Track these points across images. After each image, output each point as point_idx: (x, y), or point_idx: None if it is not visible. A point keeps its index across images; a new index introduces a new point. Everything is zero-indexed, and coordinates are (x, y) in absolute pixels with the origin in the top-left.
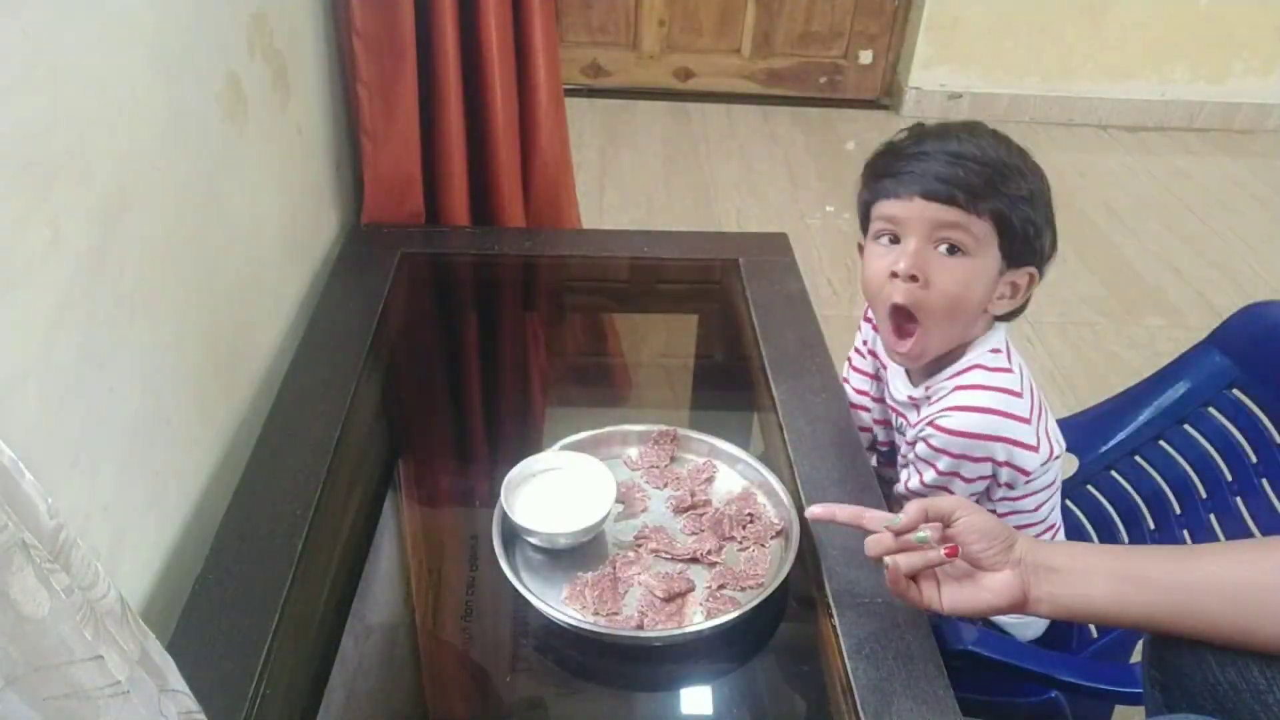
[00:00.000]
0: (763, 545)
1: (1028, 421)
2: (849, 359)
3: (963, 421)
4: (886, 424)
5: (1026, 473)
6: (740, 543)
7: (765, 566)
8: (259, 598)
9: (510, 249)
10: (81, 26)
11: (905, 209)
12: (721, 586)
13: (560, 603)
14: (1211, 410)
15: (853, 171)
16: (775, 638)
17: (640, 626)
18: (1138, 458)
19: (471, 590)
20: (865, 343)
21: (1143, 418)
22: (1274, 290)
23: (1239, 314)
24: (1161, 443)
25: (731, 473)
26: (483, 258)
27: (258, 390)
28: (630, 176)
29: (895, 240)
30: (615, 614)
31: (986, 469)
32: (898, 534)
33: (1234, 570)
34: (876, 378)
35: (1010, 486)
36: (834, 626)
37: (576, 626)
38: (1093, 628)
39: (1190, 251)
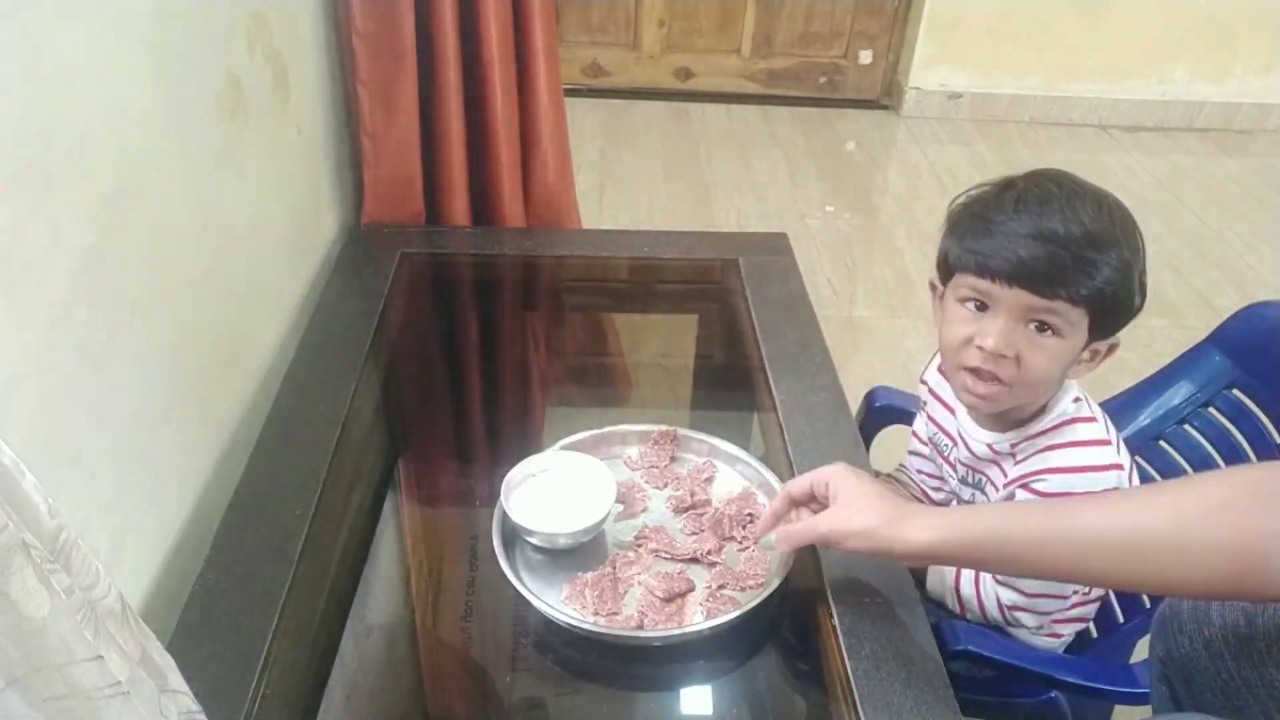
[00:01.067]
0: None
1: (1121, 468)
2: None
3: (1064, 483)
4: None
5: None
6: (740, 543)
7: (765, 566)
8: (259, 598)
9: (510, 249)
10: (81, 26)
11: (995, 289)
12: (721, 586)
13: (560, 603)
14: (1212, 410)
15: (853, 171)
16: (775, 638)
17: (640, 626)
18: (1138, 458)
19: (471, 590)
20: (924, 404)
21: (1143, 418)
22: (1274, 290)
23: (1239, 314)
24: (1162, 443)
25: (731, 472)
26: (483, 258)
27: (258, 390)
28: (630, 176)
29: (981, 307)
30: (615, 614)
31: None
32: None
33: (1121, 522)
34: (937, 452)
35: None
36: (834, 626)
37: (576, 627)
38: (1093, 628)
39: (1190, 251)
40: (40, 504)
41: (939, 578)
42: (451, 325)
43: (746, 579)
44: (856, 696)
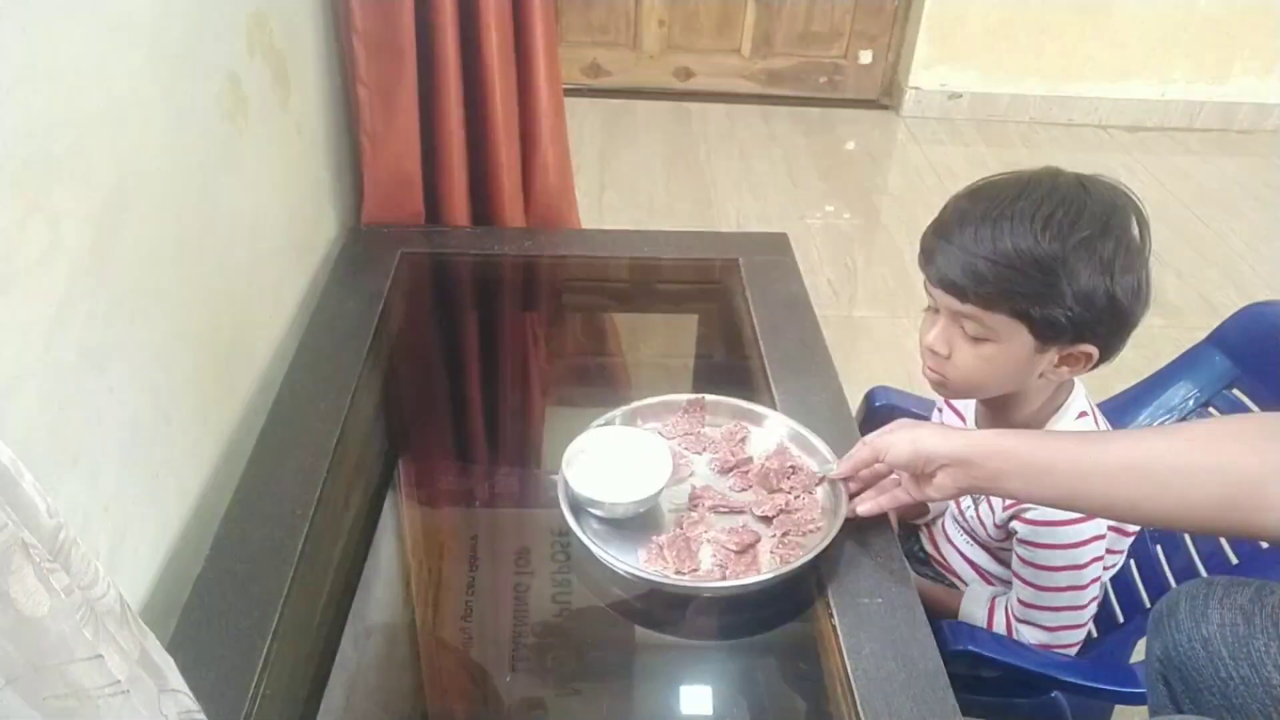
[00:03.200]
0: (810, 493)
1: (1101, 538)
2: None
3: (1042, 533)
4: None
5: (1126, 534)
6: (789, 492)
7: (819, 511)
8: (259, 598)
9: (510, 249)
10: (81, 26)
11: (935, 292)
12: (786, 533)
13: (642, 565)
14: (1211, 410)
15: (853, 171)
16: (775, 637)
17: (723, 578)
18: None
19: (471, 590)
20: (939, 409)
21: (1143, 417)
22: (1274, 290)
23: (1239, 314)
24: None
25: (761, 431)
26: (483, 258)
27: (257, 390)
28: (630, 176)
29: (935, 310)
30: (695, 570)
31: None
32: (848, 478)
33: (1138, 451)
34: None
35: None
36: (834, 626)
37: (680, 586)
38: (1093, 627)
39: (1190, 251)
40: (39, 503)
41: (970, 613)
42: (451, 325)
43: (807, 525)
44: (856, 696)
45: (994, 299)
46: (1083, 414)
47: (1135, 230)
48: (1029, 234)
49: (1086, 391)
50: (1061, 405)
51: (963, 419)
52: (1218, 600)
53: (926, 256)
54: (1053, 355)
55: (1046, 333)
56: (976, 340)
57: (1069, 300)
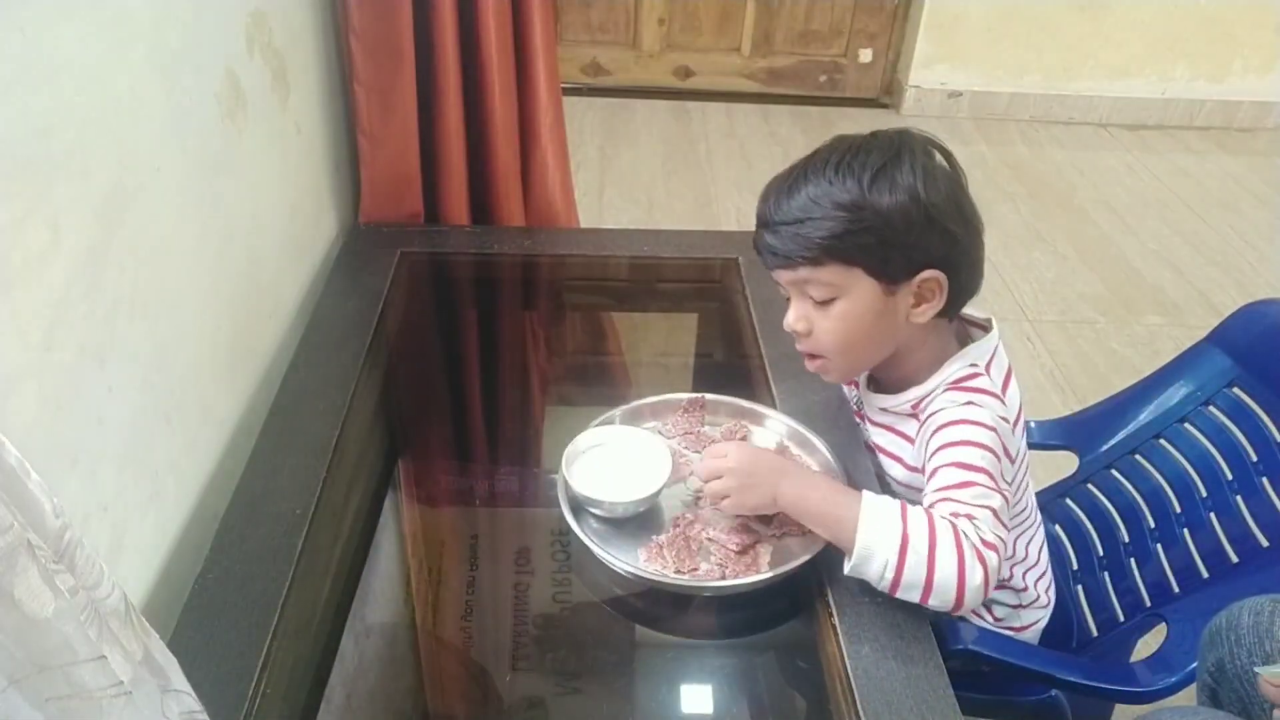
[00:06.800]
0: None
1: (994, 429)
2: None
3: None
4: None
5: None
6: None
7: None
8: (259, 598)
9: (510, 248)
10: (80, 25)
11: (773, 276)
12: (785, 534)
13: (642, 565)
14: (1212, 409)
15: None
16: (775, 636)
17: (723, 578)
18: (1138, 456)
19: (471, 590)
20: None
21: (1143, 416)
22: (1274, 289)
23: (1239, 312)
24: (1162, 441)
25: (762, 430)
26: (482, 257)
27: (257, 389)
28: (630, 175)
29: (788, 296)
30: (695, 569)
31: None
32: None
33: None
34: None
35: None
36: (834, 626)
37: (680, 585)
38: (1092, 627)
39: (1190, 250)
40: (45, 504)
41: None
42: (451, 324)
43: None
44: (856, 696)
45: (816, 252)
46: (974, 365)
47: (938, 158)
48: (823, 182)
49: (984, 353)
50: (946, 361)
51: (855, 385)
52: None
53: (758, 251)
54: (906, 296)
55: (881, 270)
56: (826, 304)
57: (881, 229)
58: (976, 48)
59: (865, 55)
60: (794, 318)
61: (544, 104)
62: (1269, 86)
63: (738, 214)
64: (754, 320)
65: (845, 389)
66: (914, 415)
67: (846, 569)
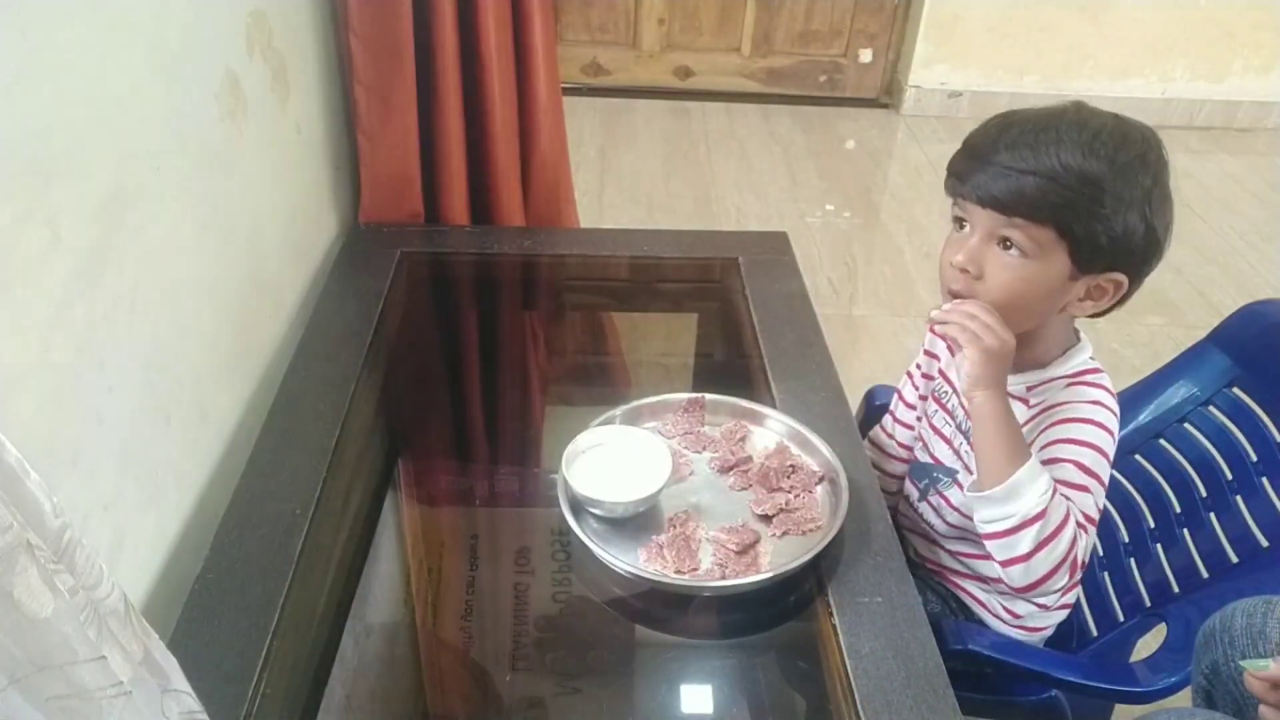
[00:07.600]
0: (810, 491)
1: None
2: (892, 411)
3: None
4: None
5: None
6: (789, 491)
7: (819, 510)
8: (259, 598)
9: (509, 248)
10: (80, 26)
11: (970, 208)
12: (785, 533)
13: (642, 565)
14: (1211, 409)
15: (853, 170)
16: (775, 636)
17: (723, 578)
18: (1138, 456)
19: (471, 590)
20: (919, 367)
21: (1143, 416)
22: (1274, 288)
23: (1239, 312)
24: (1162, 441)
25: (762, 430)
26: (482, 257)
27: (257, 390)
28: (630, 175)
29: (962, 226)
30: (695, 569)
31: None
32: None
33: None
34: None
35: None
36: (834, 626)
37: (680, 585)
38: (1092, 627)
39: (1190, 250)
40: (44, 503)
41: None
42: (451, 324)
43: (806, 524)
44: (856, 696)
45: (1041, 210)
46: (1095, 367)
47: (1167, 175)
48: (1076, 152)
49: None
50: (1068, 351)
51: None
52: (1277, 619)
53: (961, 177)
54: (1081, 288)
55: (1085, 254)
56: (1015, 258)
57: (1111, 221)
58: (976, 48)
59: (865, 55)
60: (965, 258)
61: (544, 104)
62: (1269, 86)
63: (738, 214)
64: (754, 320)
65: (922, 359)
66: (1023, 400)
67: (966, 488)
